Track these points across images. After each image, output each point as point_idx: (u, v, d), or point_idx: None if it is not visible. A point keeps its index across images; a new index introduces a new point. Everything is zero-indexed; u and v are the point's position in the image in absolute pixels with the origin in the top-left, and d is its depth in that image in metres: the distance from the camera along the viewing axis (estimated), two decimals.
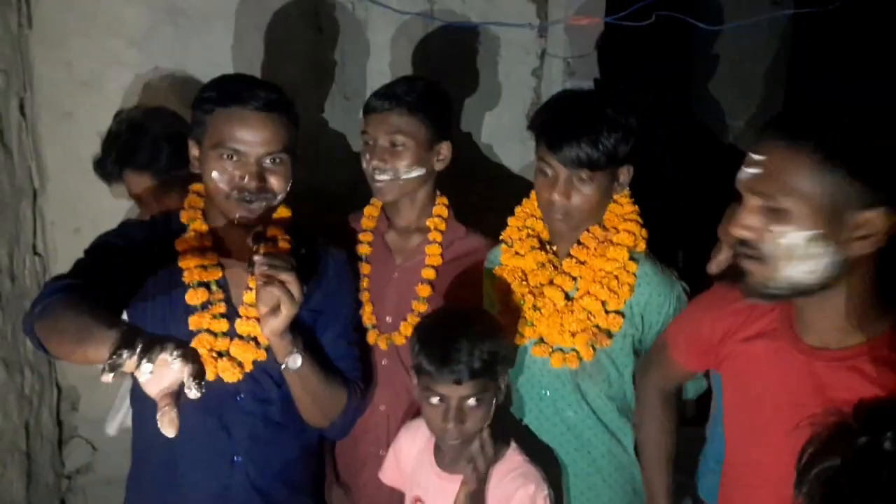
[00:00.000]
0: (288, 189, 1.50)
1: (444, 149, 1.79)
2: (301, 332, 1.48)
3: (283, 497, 1.59)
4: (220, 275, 1.52)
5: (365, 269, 1.81)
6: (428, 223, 1.83)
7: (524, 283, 1.67)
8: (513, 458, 1.55)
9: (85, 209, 2.21)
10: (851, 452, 0.93)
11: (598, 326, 1.60)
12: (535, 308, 1.63)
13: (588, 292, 1.61)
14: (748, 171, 1.14)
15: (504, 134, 2.47)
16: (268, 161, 1.46)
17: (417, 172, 1.75)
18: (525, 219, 1.73)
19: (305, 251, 1.57)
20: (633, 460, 1.68)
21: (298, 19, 2.29)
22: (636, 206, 1.67)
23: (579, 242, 1.65)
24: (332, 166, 2.37)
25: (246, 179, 1.44)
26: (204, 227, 1.54)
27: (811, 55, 3.43)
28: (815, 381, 1.18)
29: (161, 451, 1.51)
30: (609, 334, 1.61)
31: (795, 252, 1.09)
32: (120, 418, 2.08)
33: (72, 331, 1.19)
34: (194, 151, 1.51)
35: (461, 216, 1.88)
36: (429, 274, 1.78)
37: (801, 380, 1.19)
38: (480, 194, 2.29)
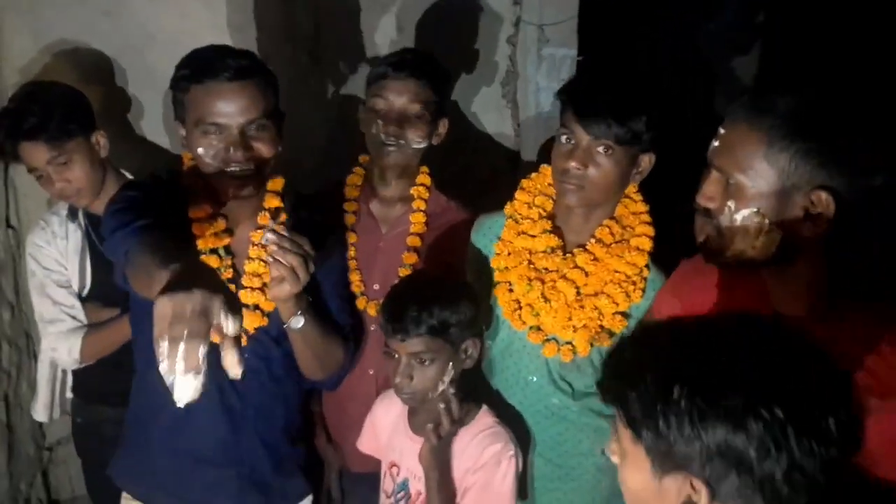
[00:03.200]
0: (279, 150, 1.51)
1: (443, 125, 1.83)
2: (305, 290, 1.48)
3: (286, 450, 1.68)
4: (229, 242, 1.56)
5: (351, 237, 1.84)
6: (412, 192, 1.86)
7: (531, 266, 1.63)
8: (483, 419, 1.59)
9: None
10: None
11: (601, 326, 1.60)
12: (544, 298, 1.61)
13: (602, 292, 1.60)
14: (713, 144, 1.18)
15: (479, 102, 2.48)
16: (251, 129, 1.46)
17: (424, 144, 1.79)
18: (535, 195, 1.67)
19: (308, 219, 1.58)
20: None
21: None
22: (647, 205, 1.65)
23: (594, 237, 1.62)
24: (306, 135, 2.36)
25: (232, 150, 1.44)
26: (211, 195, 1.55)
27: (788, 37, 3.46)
28: None
29: (167, 408, 1.51)
30: (611, 334, 1.60)
31: (745, 226, 1.14)
32: (45, 402, 2.08)
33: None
34: (181, 132, 1.52)
35: (437, 185, 1.91)
36: (414, 241, 1.83)
37: None
38: (455, 163, 2.29)
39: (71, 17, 2.10)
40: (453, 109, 2.44)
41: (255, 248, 1.53)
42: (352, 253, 1.82)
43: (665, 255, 1.63)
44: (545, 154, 1.63)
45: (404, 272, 1.80)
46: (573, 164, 1.52)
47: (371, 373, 1.84)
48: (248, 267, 1.54)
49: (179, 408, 1.46)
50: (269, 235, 1.36)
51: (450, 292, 1.54)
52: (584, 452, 1.68)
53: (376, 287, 1.82)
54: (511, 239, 1.66)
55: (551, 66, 2.43)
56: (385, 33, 2.35)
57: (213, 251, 1.54)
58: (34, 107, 1.82)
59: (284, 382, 1.64)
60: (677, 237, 1.56)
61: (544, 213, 1.66)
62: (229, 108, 1.44)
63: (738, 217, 1.14)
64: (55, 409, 2.12)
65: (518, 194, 1.70)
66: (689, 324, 0.93)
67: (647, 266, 1.61)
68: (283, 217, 1.54)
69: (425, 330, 1.49)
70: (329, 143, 2.40)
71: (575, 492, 1.70)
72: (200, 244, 1.52)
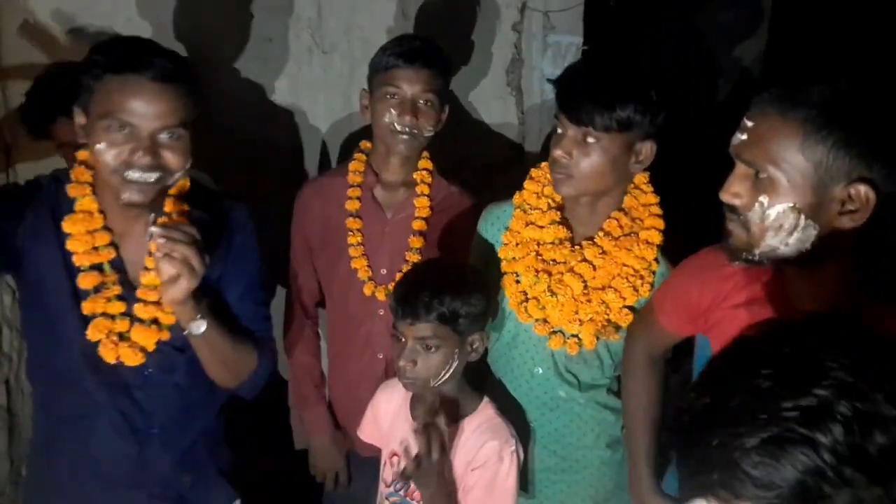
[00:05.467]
0: (187, 167, 1.37)
1: (446, 113, 1.85)
2: (205, 293, 1.41)
3: (203, 460, 1.59)
4: (114, 255, 1.42)
5: (356, 223, 1.86)
6: (415, 176, 1.88)
7: (539, 258, 1.62)
8: (484, 411, 1.58)
9: (57, 166, 2.18)
10: None
11: (608, 320, 1.58)
12: (551, 292, 1.59)
13: (610, 286, 1.57)
14: (739, 137, 1.14)
15: (483, 89, 2.45)
16: (164, 136, 1.32)
17: (432, 132, 1.81)
18: (545, 185, 1.64)
19: (205, 219, 1.45)
20: (621, 435, 1.70)
21: None
22: (658, 197, 1.62)
23: (603, 229, 1.60)
24: (310, 120, 2.35)
25: (138, 155, 1.30)
26: (94, 205, 1.42)
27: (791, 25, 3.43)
28: None
29: (69, 431, 1.49)
30: (617, 328, 1.59)
31: (779, 222, 1.10)
32: None
33: None
34: (80, 120, 1.36)
35: (440, 172, 1.92)
36: (420, 226, 1.85)
37: None
38: (459, 151, 2.28)
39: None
40: (457, 97, 2.42)
41: (151, 257, 1.37)
42: (358, 239, 1.85)
43: (674, 248, 1.61)
44: (550, 143, 1.61)
45: (412, 256, 1.83)
46: (559, 152, 1.51)
47: (380, 357, 1.87)
48: (145, 279, 1.42)
49: (80, 432, 1.45)
50: (154, 229, 1.27)
51: (464, 283, 1.53)
52: (589, 445, 1.68)
53: (383, 272, 1.85)
54: (519, 229, 1.65)
55: (557, 54, 2.41)
56: (388, 19, 2.33)
57: (95, 267, 1.41)
58: (71, 82, 1.81)
59: (192, 392, 1.52)
60: (680, 230, 1.54)
61: (553, 204, 1.64)
62: (146, 108, 1.29)
63: (772, 213, 1.10)
64: None
65: (527, 184, 1.69)
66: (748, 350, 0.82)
67: (655, 260, 1.59)
68: (168, 208, 1.41)
69: (435, 316, 1.48)
70: (331, 129, 2.38)
71: (579, 484, 1.70)
72: (76, 260, 1.39)
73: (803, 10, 3.39)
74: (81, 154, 1.45)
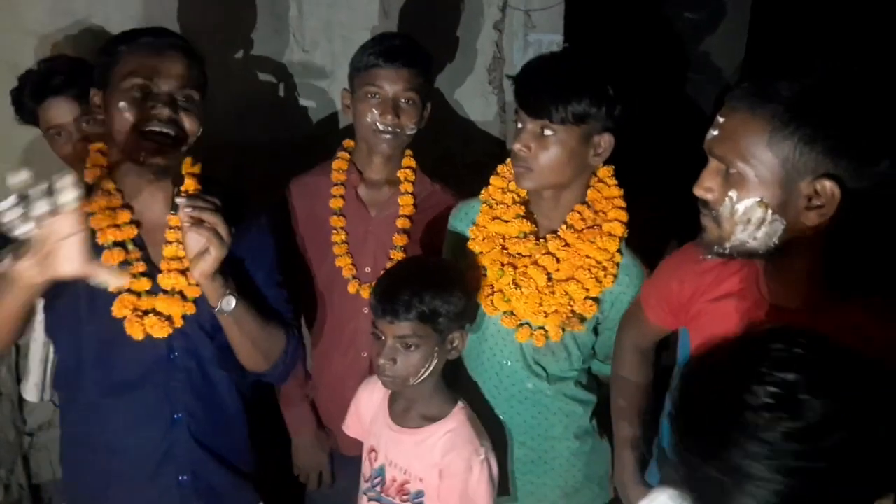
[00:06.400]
0: (199, 133, 1.42)
1: (428, 111, 1.86)
2: (233, 276, 1.44)
3: (229, 451, 1.59)
4: (136, 232, 1.45)
5: (339, 221, 1.86)
6: (399, 174, 1.89)
7: (504, 251, 1.64)
8: (457, 416, 1.59)
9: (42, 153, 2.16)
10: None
11: (573, 311, 1.60)
12: (516, 285, 1.61)
13: (573, 278, 1.59)
14: (711, 133, 1.15)
15: (465, 87, 2.46)
16: (181, 97, 1.39)
17: (415, 130, 1.82)
18: (510, 180, 1.66)
19: (224, 199, 1.46)
20: (591, 426, 1.73)
21: None
22: (622, 190, 1.64)
23: (566, 223, 1.61)
24: (291, 118, 2.34)
25: (157, 108, 1.36)
26: (111, 185, 1.46)
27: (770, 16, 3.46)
28: None
29: (95, 428, 1.49)
30: (582, 319, 1.61)
31: (747, 216, 1.11)
32: (36, 381, 2.08)
33: None
34: (96, 99, 1.43)
35: (422, 169, 1.93)
36: (404, 223, 1.86)
37: None
38: (441, 149, 2.29)
39: None
40: (439, 95, 2.43)
41: (173, 230, 1.44)
42: (342, 237, 1.85)
43: (643, 241, 1.62)
44: None
45: (395, 255, 1.84)
46: (518, 146, 1.54)
47: (364, 355, 1.87)
48: (167, 251, 1.45)
49: (109, 426, 1.46)
50: (180, 200, 1.31)
51: (444, 281, 1.54)
52: (558, 436, 1.70)
53: (368, 270, 1.85)
54: (485, 224, 1.67)
55: (538, 52, 2.41)
56: (369, 17, 2.33)
57: (118, 244, 1.43)
58: (61, 66, 1.84)
59: (222, 382, 1.54)
60: (651, 222, 1.55)
61: (518, 199, 1.67)
62: (165, 67, 1.37)
63: (740, 207, 1.12)
64: (46, 389, 2.11)
65: (493, 179, 1.71)
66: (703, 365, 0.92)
67: (619, 251, 1.61)
68: (187, 185, 1.45)
69: (415, 315, 1.49)
70: (313, 127, 2.38)
71: (548, 475, 1.72)
72: (101, 238, 1.41)
73: (784, 6, 3.42)
74: (95, 145, 1.50)
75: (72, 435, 1.57)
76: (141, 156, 1.37)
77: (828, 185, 1.06)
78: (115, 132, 1.39)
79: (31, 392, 2.10)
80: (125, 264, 1.43)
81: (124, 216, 1.45)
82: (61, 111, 1.84)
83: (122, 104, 1.36)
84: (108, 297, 1.42)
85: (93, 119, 1.78)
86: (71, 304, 1.43)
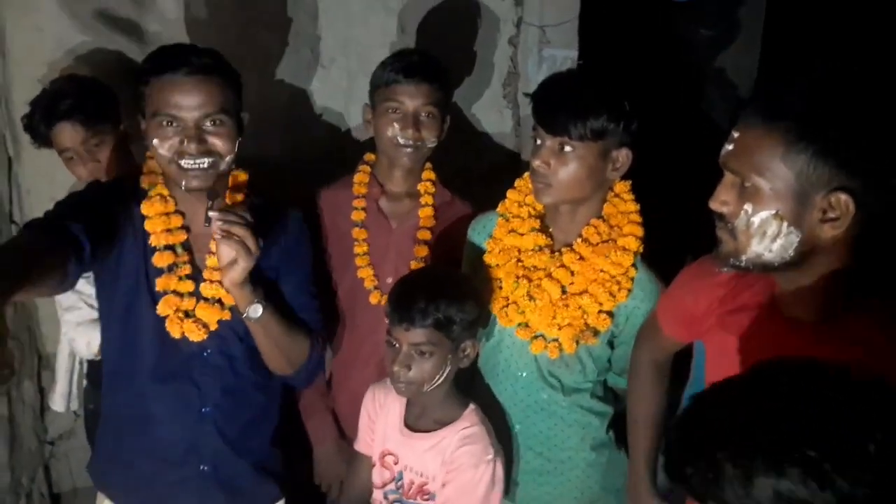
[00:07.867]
0: (235, 150, 1.51)
1: (447, 124, 1.90)
2: (262, 285, 1.54)
3: (252, 447, 1.67)
4: (185, 237, 1.57)
5: (362, 234, 1.90)
6: (419, 188, 1.94)
7: (520, 264, 1.66)
8: (470, 417, 1.61)
9: (62, 178, 2.20)
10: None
11: (586, 324, 1.62)
12: (530, 297, 1.63)
13: (587, 291, 1.61)
14: (727, 148, 1.17)
15: (480, 102, 2.49)
16: (207, 123, 1.46)
17: (435, 143, 1.86)
18: (526, 195, 1.70)
19: (263, 208, 1.57)
20: (608, 438, 1.73)
21: None
22: (638, 205, 1.66)
23: (581, 236, 1.63)
24: (309, 133, 2.38)
25: (185, 143, 1.44)
26: (165, 191, 1.57)
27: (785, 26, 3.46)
28: (792, 353, 1.21)
29: (133, 409, 1.60)
30: (595, 332, 1.62)
31: (762, 229, 1.13)
32: (62, 392, 2.12)
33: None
34: (142, 126, 1.52)
35: (439, 181, 1.96)
36: (425, 235, 1.91)
37: (780, 353, 1.23)
38: (457, 163, 2.31)
39: (70, 13, 2.10)
40: (454, 109, 2.45)
41: (216, 241, 1.52)
42: (364, 249, 1.90)
43: (661, 256, 1.63)
44: None
45: (416, 265, 1.87)
46: (537, 162, 1.56)
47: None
48: (210, 261, 1.56)
49: (150, 409, 1.57)
50: (212, 213, 1.38)
51: (459, 290, 1.57)
52: (574, 447, 1.71)
53: (389, 280, 1.88)
54: (502, 237, 1.70)
55: (552, 67, 2.44)
56: (387, 33, 2.36)
57: (169, 247, 1.54)
58: (71, 90, 1.91)
59: (249, 381, 1.64)
60: (669, 237, 1.55)
61: (534, 213, 1.69)
62: (185, 101, 1.44)
63: (756, 220, 1.13)
64: (73, 399, 2.15)
65: (510, 193, 1.74)
66: (716, 389, 0.93)
67: (634, 266, 1.63)
68: (228, 200, 1.54)
69: (430, 322, 1.52)
70: (332, 142, 2.41)
71: (564, 486, 1.73)
72: (153, 241, 1.53)
73: (797, 19, 3.42)
74: (149, 153, 1.59)
75: (115, 414, 1.66)
76: (182, 185, 1.49)
77: (842, 198, 1.07)
78: (156, 159, 1.52)
79: (57, 402, 2.14)
80: (173, 266, 1.54)
81: (176, 221, 1.56)
82: (69, 135, 1.90)
83: (155, 141, 1.47)
84: (153, 291, 1.54)
85: (96, 144, 1.92)
86: (130, 291, 1.54)
